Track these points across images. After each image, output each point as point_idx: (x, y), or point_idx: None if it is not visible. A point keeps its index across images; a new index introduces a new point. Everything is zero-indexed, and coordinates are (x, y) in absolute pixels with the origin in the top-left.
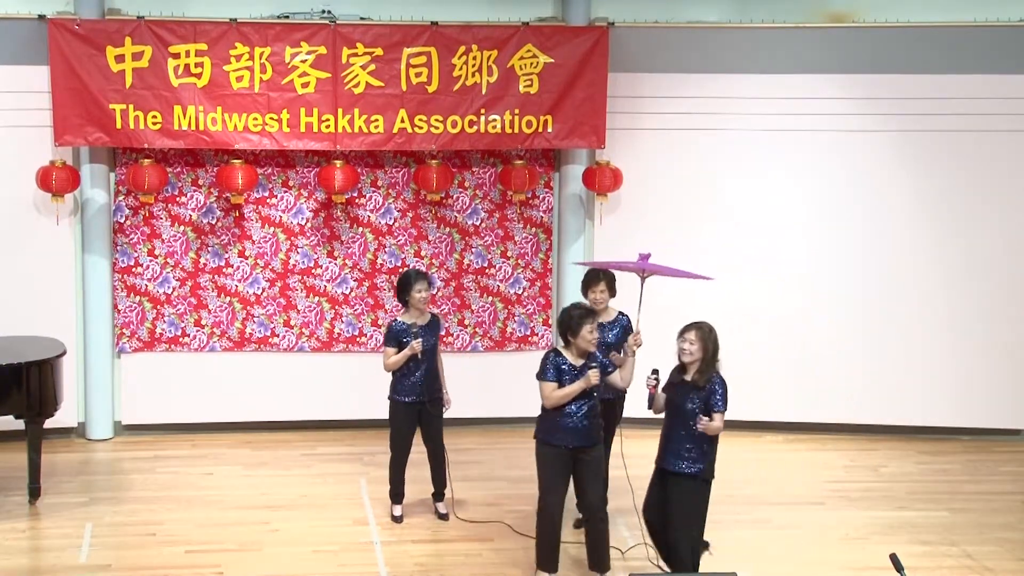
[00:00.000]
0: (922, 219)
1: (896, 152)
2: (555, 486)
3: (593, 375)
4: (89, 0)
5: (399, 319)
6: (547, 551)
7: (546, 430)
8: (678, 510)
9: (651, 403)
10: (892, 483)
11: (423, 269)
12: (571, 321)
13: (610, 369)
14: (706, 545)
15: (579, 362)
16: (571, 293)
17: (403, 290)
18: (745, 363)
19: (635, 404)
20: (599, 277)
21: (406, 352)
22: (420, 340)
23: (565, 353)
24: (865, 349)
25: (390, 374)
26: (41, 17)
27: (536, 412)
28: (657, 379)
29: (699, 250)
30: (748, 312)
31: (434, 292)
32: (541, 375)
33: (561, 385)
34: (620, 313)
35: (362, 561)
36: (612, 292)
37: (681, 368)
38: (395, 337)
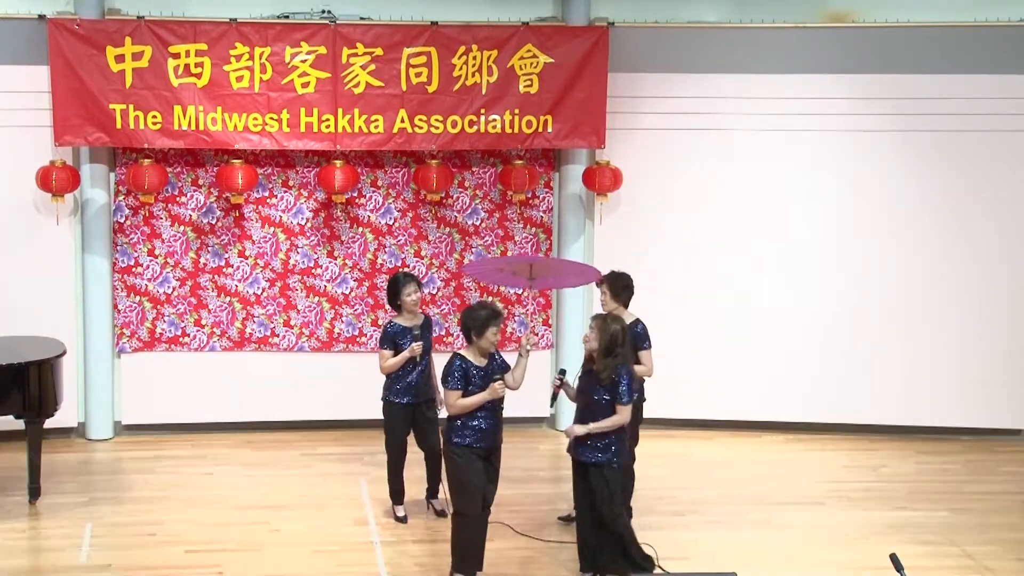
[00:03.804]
0: (923, 219)
1: (897, 152)
2: (477, 489)
3: (499, 387)
4: (89, 0)
5: (394, 321)
6: (472, 554)
7: (459, 433)
8: (602, 499)
9: (553, 400)
10: (892, 483)
11: (409, 271)
12: (477, 321)
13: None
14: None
15: (482, 362)
16: (570, 294)
17: (393, 295)
18: (745, 363)
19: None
20: (602, 280)
21: (405, 355)
22: (419, 344)
23: (468, 355)
24: (866, 349)
25: (384, 376)
26: (41, 17)
27: (532, 414)
28: (562, 379)
29: (699, 250)
30: (748, 312)
31: (425, 293)
32: (445, 382)
33: (469, 388)
34: (636, 320)
35: (362, 561)
36: (616, 296)
37: (590, 359)
38: (391, 339)
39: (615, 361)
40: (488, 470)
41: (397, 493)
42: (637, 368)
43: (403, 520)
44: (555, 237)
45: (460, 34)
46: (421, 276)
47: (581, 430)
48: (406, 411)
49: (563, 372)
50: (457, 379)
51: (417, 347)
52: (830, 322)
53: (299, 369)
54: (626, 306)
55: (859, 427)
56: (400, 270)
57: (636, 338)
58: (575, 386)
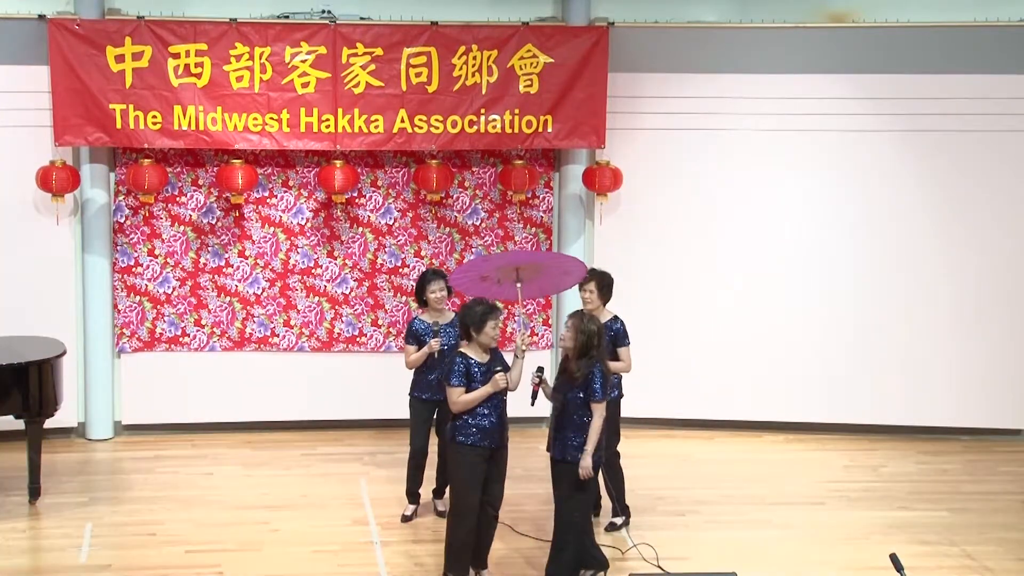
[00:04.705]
0: (923, 219)
1: (897, 152)
2: (474, 488)
3: (500, 379)
4: (89, 0)
5: (419, 317)
6: (464, 554)
7: (463, 432)
8: (563, 496)
9: (533, 399)
10: (892, 483)
11: (441, 269)
12: (474, 317)
13: (498, 369)
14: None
15: (485, 358)
16: (571, 294)
17: (420, 290)
18: (746, 363)
19: (626, 404)
20: (590, 277)
21: (424, 350)
22: (438, 340)
23: (469, 352)
24: (865, 349)
25: (410, 373)
26: (41, 17)
27: (532, 414)
28: (540, 377)
29: (699, 250)
30: (748, 311)
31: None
32: (447, 380)
33: (472, 385)
34: (614, 317)
35: (362, 561)
36: (603, 294)
37: (567, 358)
38: (414, 335)
39: (590, 362)
40: (492, 470)
41: (409, 492)
42: (616, 365)
43: (408, 519)
44: (555, 237)
45: (460, 34)
46: None
47: (587, 460)
48: (427, 407)
49: (540, 370)
50: (459, 376)
51: (435, 343)
52: (830, 322)
53: (299, 369)
54: (606, 304)
55: (859, 427)
56: (431, 267)
57: (617, 335)
58: (552, 385)
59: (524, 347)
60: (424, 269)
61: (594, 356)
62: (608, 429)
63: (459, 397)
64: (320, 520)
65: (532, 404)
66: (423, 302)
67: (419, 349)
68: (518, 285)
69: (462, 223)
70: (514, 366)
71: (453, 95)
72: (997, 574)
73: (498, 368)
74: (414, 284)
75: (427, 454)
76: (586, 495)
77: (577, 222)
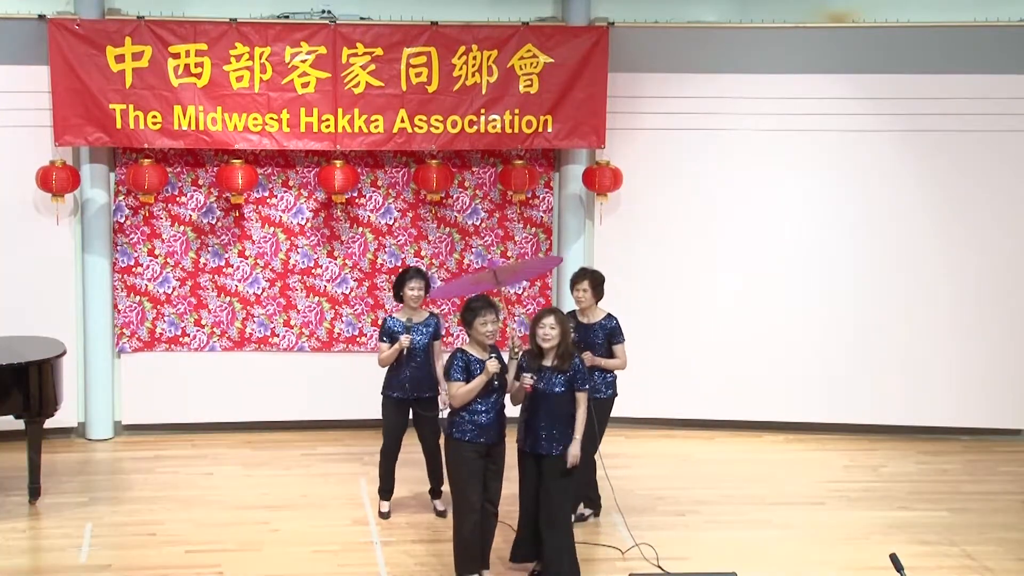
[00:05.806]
0: (923, 219)
1: (897, 152)
2: (474, 484)
3: (491, 364)
4: (89, 0)
5: (393, 315)
6: (467, 552)
7: (459, 428)
8: (557, 490)
9: (520, 399)
10: (892, 483)
11: (422, 267)
12: (467, 313)
13: (493, 355)
14: None
15: (484, 355)
16: (568, 295)
17: (398, 286)
18: (746, 363)
19: (626, 404)
20: (583, 276)
21: (394, 348)
22: (408, 336)
23: (469, 349)
24: (866, 349)
25: (384, 371)
26: (41, 17)
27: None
28: (534, 378)
29: (699, 250)
30: (748, 311)
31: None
32: (447, 375)
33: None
34: (608, 315)
35: (362, 561)
36: (596, 292)
37: (538, 354)
38: (386, 332)
39: (569, 354)
40: (490, 467)
41: (384, 490)
42: (613, 362)
43: (386, 516)
44: (555, 237)
45: (460, 34)
46: None
47: (577, 448)
48: (398, 406)
49: (533, 370)
50: (459, 371)
51: (405, 340)
52: (830, 322)
53: (299, 369)
54: (598, 302)
55: (859, 427)
56: (413, 265)
57: (612, 332)
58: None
59: (519, 347)
60: (407, 267)
61: (572, 349)
62: (597, 425)
63: (458, 391)
64: (320, 520)
65: (515, 403)
66: (399, 298)
67: (391, 346)
68: (497, 283)
69: (462, 223)
70: (511, 364)
71: (453, 95)
72: (997, 574)
73: (492, 355)
74: None
75: (398, 452)
76: (576, 484)
77: (577, 222)
